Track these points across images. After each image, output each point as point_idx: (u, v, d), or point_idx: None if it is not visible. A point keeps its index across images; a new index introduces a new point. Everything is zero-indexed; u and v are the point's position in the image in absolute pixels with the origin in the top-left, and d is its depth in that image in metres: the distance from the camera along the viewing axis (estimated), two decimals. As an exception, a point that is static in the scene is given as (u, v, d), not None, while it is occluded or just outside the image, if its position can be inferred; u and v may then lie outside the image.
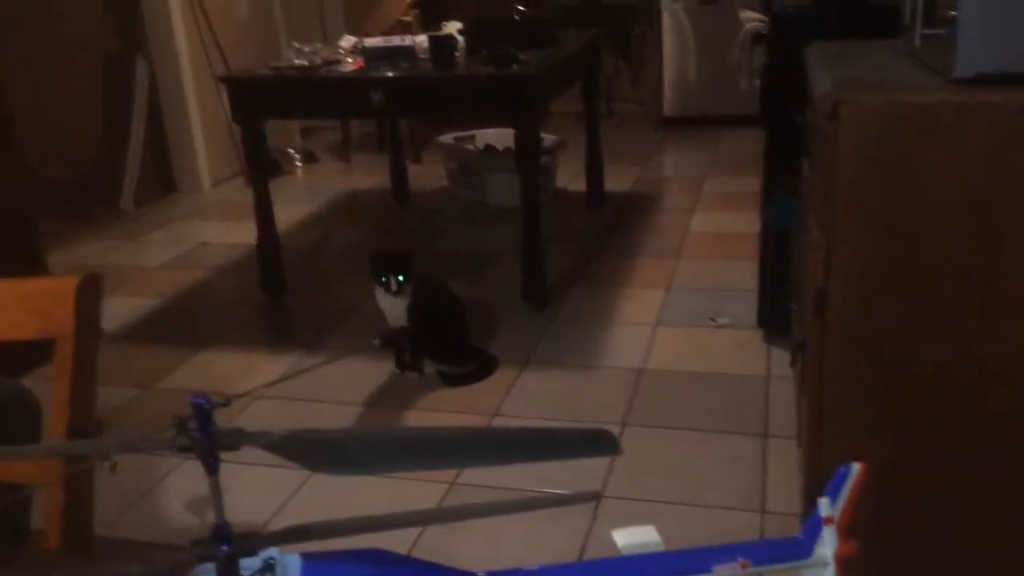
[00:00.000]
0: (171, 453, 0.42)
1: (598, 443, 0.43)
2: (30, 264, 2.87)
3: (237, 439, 0.42)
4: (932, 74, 1.48)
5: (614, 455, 0.45)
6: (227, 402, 0.43)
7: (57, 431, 0.76)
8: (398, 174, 4.36)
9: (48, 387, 1.59)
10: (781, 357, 2.58)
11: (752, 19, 2.88)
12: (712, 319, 2.90)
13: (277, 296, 3.25)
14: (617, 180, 4.45)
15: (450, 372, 2.62)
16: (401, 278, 2.50)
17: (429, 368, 2.63)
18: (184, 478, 2.14)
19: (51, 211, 4.24)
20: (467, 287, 3.25)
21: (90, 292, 0.77)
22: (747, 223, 3.68)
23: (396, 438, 0.42)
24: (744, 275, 3.13)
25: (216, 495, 0.44)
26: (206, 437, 0.41)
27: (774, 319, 2.65)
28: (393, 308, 2.56)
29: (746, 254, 3.32)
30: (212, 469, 0.43)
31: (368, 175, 5.04)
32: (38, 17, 4.62)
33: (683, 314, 2.97)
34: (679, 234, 3.73)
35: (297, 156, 5.33)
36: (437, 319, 2.65)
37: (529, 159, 2.94)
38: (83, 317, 0.76)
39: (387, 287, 2.50)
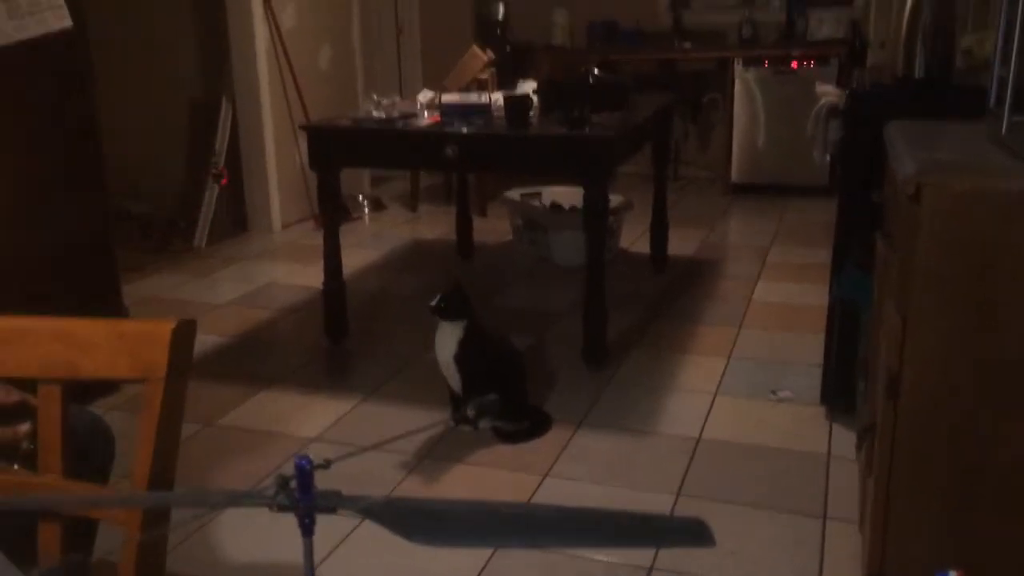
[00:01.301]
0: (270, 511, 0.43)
1: (692, 534, 0.43)
2: (106, 293, 2.96)
3: (335, 502, 0.43)
4: (1019, 160, 1.45)
5: (708, 547, 0.44)
6: (327, 464, 0.43)
7: (140, 472, 0.78)
8: (464, 226, 4.41)
9: (114, 416, 1.63)
10: (844, 436, 2.52)
11: (828, 93, 2.87)
12: (773, 392, 2.84)
13: (339, 340, 3.30)
14: (681, 244, 4.44)
15: (504, 428, 2.61)
16: (443, 304, 2.52)
17: (484, 423, 2.62)
18: (237, 517, 2.15)
19: (129, 243, 4.40)
20: (526, 343, 3.26)
21: (184, 337, 0.79)
22: (812, 295, 3.63)
23: (493, 513, 0.42)
24: (808, 349, 3.08)
25: (308, 556, 0.45)
26: (306, 499, 0.42)
27: (839, 396, 2.60)
28: (439, 343, 2.57)
29: (810, 327, 3.27)
30: (307, 531, 0.44)
31: (434, 225, 5.12)
32: (134, 58, 4.86)
33: (743, 384, 2.92)
34: (742, 302, 3.70)
35: (366, 203, 5.44)
36: (495, 373, 2.65)
37: (597, 219, 2.96)
38: (175, 361, 0.78)
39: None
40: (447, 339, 2.56)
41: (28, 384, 0.95)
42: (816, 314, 3.30)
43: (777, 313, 3.57)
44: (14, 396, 1.05)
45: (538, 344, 3.30)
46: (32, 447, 1.00)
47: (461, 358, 2.56)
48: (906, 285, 1.47)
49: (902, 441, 1.49)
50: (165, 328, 0.78)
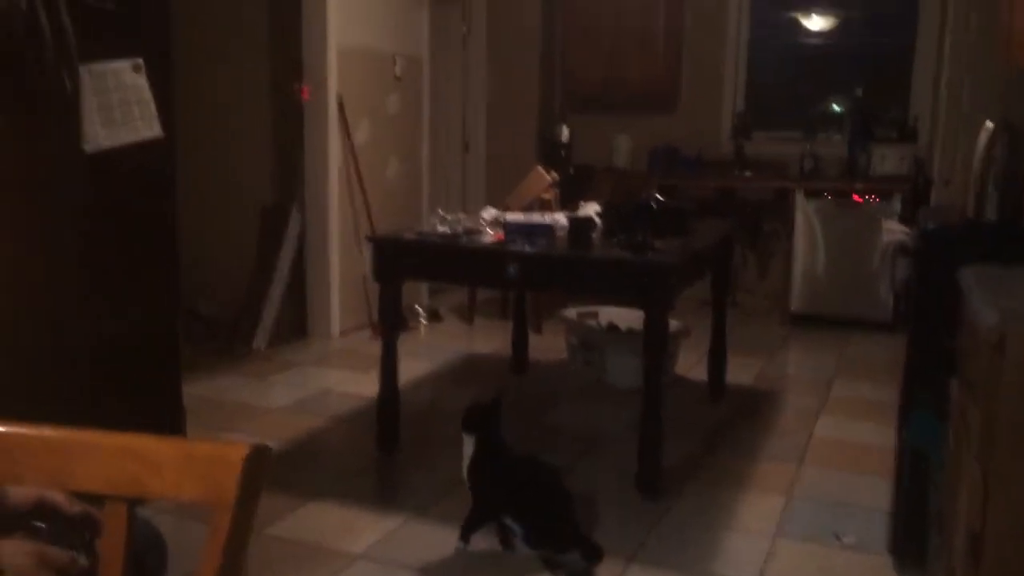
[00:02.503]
0: None
1: None
2: (166, 391, 3.00)
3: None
4: (1108, 316, 1.40)
5: None
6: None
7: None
8: (519, 342, 4.40)
9: (163, 520, 1.61)
10: (914, 590, 2.38)
11: (896, 231, 2.85)
12: (837, 536, 2.71)
13: (391, 452, 3.26)
14: (739, 372, 4.35)
15: (553, 558, 2.52)
16: (466, 414, 2.55)
17: (523, 549, 2.52)
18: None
19: (193, 342, 4.48)
20: (577, 466, 3.18)
21: (256, 464, 0.78)
22: (878, 435, 3.51)
23: None
24: (873, 492, 2.96)
25: None
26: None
27: (908, 547, 2.46)
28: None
29: (876, 469, 3.14)
30: None
31: (489, 339, 5.12)
32: (212, 162, 5.07)
33: (805, 526, 2.79)
34: (803, 438, 3.58)
35: (423, 314, 5.49)
36: (537, 500, 2.56)
37: (657, 344, 2.93)
38: (246, 488, 0.77)
39: None
40: (465, 453, 2.55)
41: (91, 497, 0.95)
42: (882, 455, 3.18)
43: (840, 452, 3.45)
44: (77, 507, 1.04)
45: (589, 468, 3.22)
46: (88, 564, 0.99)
47: (469, 473, 2.54)
48: (988, 438, 1.41)
49: (986, 608, 1.39)
50: (238, 453, 0.77)
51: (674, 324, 4.05)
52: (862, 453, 3.41)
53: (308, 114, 4.89)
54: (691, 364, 4.44)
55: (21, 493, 1.08)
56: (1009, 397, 1.36)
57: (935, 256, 2.35)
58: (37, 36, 2.44)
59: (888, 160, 5.77)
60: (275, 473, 3.12)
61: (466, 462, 2.55)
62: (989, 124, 2.47)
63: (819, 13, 6.26)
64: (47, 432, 0.84)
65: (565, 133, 6.39)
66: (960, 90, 5.58)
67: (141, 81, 2.78)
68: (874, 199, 5.45)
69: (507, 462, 2.59)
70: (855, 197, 5.51)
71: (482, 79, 6.54)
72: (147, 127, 2.82)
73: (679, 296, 3.01)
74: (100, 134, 2.68)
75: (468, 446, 2.55)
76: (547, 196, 4.25)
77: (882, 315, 5.27)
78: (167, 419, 2.99)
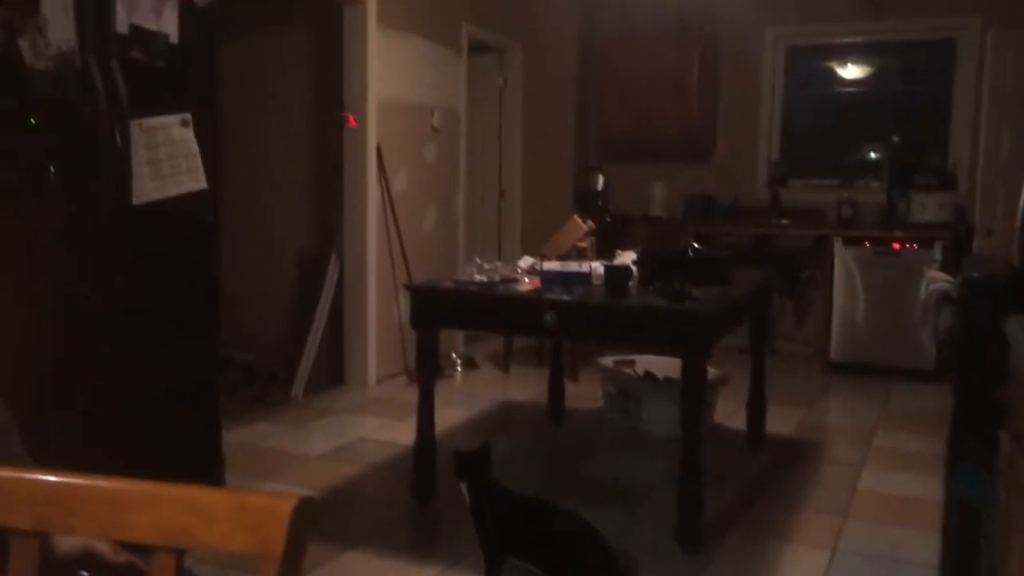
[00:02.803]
0: None
1: None
2: (206, 439, 3.03)
3: None
4: None
5: None
6: None
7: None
8: (555, 391, 4.39)
9: (204, 570, 1.62)
10: (966, 650, 2.30)
11: (939, 279, 2.81)
12: (884, 593, 2.64)
13: (427, 502, 3.25)
14: (778, 422, 4.29)
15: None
16: (454, 463, 2.58)
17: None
18: None
19: (230, 390, 4.53)
20: (614, 517, 3.14)
21: (303, 516, 0.79)
22: (923, 487, 3.43)
23: None
24: (921, 547, 2.88)
25: None
26: None
27: (959, 605, 2.39)
28: None
29: (923, 523, 3.06)
30: None
31: (524, 388, 5.11)
32: (251, 211, 5.17)
33: (851, 582, 2.72)
34: (846, 490, 3.50)
35: (459, 361, 5.50)
36: (561, 549, 2.52)
37: (694, 393, 2.90)
38: (293, 540, 0.77)
39: None
40: (466, 500, 2.56)
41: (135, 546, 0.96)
42: (929, 508, 3.11)
43: (886, 505, 3.37)
44: (122, 557, 1.06)
45: (627, 519, 3.17)
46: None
47: (472, 519, 2.53)
48: (1041, 494, 1.37)
49: (1044, 671, 1.34)
50: (286, 505, 0.78)
51: (712, 372, 4.02)
52: (908, 506, 3.33)
53: (347, 163, 4.98)
54: (730, 412, 4.38)
55: (68, 543, 1.10)
56: (1062, 451, 1.32)
57: (980, 305, 2.32)
58: (90, 93, 2.53)
59: (928, 207, 5.72)
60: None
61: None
62: (1031, 172, 2.45)
63: (854, 62, 6.28)
64: (102, 482, 0.86)
65: (600, 182, 6.44)
66: (999, 138, 5.53)
67: (188, 135, 2.86)
68: (914, 246, 5.39)
69: (507, 505, 2.58)
70: (894, 245, 5.45)
71: (518, 129, 6.63)
72: (193, 180, 2.89)
73: (717, 344, 2.99)
74: (149, 187, 2.76)
75: (465, 493, 2.57)
76: (583, 245, 4.26)
77: (924, 364, 5.19)
78: (206, 467, 3.01)
